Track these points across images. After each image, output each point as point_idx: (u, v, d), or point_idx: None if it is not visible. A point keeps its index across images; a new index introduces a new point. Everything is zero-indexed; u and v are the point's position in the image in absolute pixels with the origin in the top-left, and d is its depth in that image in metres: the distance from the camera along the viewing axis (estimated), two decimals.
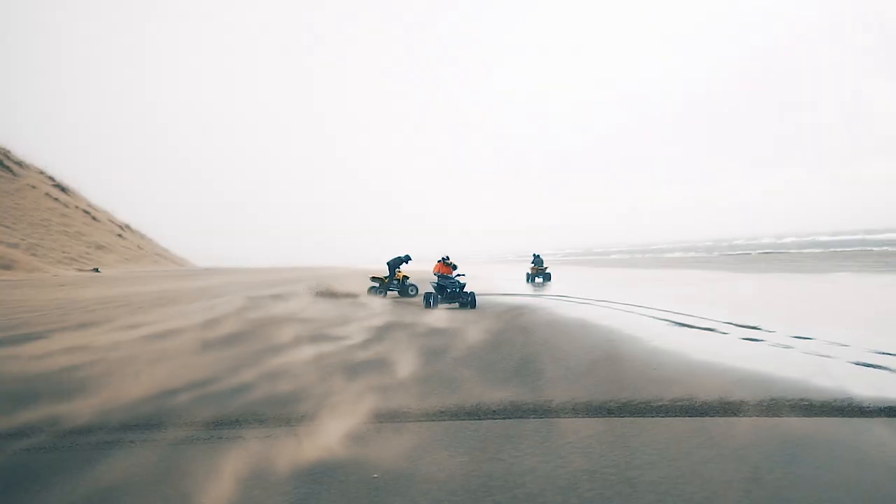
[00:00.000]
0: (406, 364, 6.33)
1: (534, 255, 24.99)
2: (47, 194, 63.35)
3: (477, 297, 13.99)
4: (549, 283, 23.06)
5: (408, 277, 17.79)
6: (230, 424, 4.27)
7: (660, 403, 4.56)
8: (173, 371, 6.10)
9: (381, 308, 13.12)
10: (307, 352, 7.16)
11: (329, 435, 3.97)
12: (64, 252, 53.82)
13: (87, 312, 12.91)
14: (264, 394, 5.11)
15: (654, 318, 10.03)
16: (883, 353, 6.29)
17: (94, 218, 68.35)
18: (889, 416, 4.18)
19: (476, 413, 4.45)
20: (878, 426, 3.99)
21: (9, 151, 64.28)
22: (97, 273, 48.05)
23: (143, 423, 4.32)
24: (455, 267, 14.79)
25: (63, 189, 68.65)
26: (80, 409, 4.64)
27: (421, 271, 20.95)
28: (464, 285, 14.04)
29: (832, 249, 45.99)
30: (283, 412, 4.51)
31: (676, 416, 4.30)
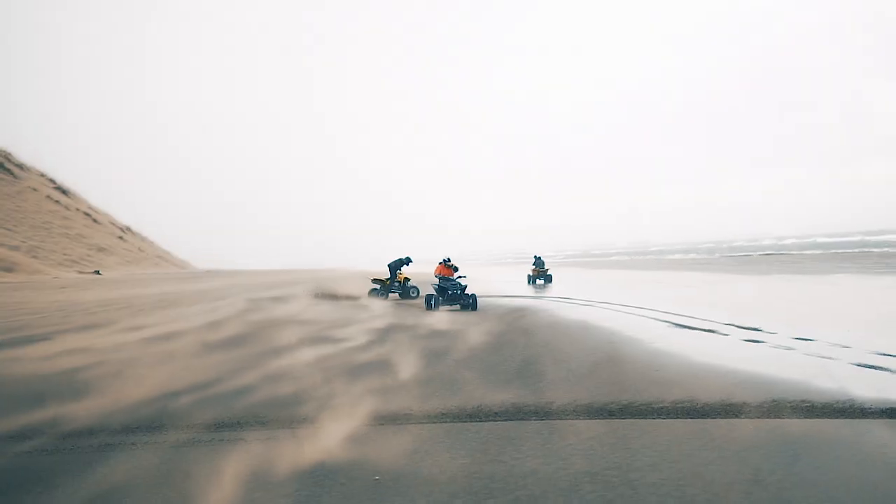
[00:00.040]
0: (407, 366, 6.33)
1: (535, 256, 25.00)
2: (48, 197, 63.47)
3: (478, 299, 14.00)
4: (550, 284, 23.06)
5: (409, 279, 17.81)
6: (232, 426, 4.28)
7: (661, 405, 4.56)
8: (175, 373, 6.11)
9: (382, 310, 13.12)
10: (309, 354, 7.16)
11: (330, 437, 3.98)
12: (65, 254, 53.88)
13: (88, 315, 12.92)
14: (266, 396, 5.12)
15: (655, 319, 10.03)
16: (884, 355, 6.29)
17: (94, 220, 68.45)
18: (890, 417, 4.18)
19: (477, 415, 4.46)
20: (879, 427, 3.99)
21: (10, 154, 64.45)
22: (98, 275, 48.10)
23: (144, 425, 4.33)
24: (456, 269, 14.81)
25: (64, 191, 68.80)
26: (83, 411, 4.65)
27: (422, 273, 20.97)
28: (465, 287, 14.05)
29: (833, 251, 46.00)
30: (284, 414, 4.52)
31: (678, 417, 4.30)
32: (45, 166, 69.50)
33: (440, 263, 14.78)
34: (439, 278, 14.36)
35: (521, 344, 7.85)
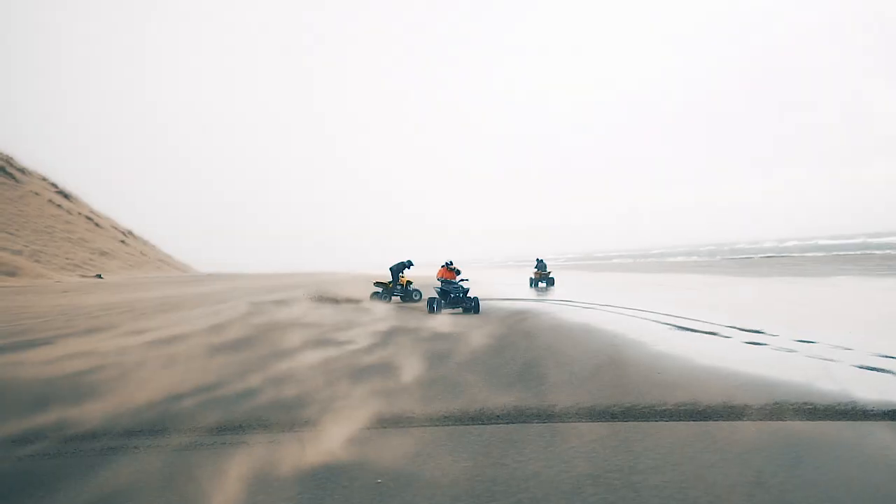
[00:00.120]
0: (410, 369, 6.34)
1: (537, 259, 25.02)
2: (50, 201, 63.65)
3: (480, 302, 14.00)
4: (552, 287, 23.06)
5: (411, 282, 17.82)
6: (235, 430, 4.28)
7: (663, 407, 4.56)
8: (178, 376, 6.12)
9: (384, 313, 13.13)
10: (312, 357, 7.17)
11: (333, 440, 3.99)
12: (67, 258, 53.99)
13: (91, 318, 12.95)
14: (269, 399, 5.12)
15: (657, 322, 10.03)
16: (886, 357, 6.28)
17: (96, 224, 68.61)
18: (892, 419, 4.18)
19: (480, 418, 4.46)
20: (881, 429, 3.98)
21: (11, 158, 64.66)
22: (100, 279, 48.17)
23: (147, 428, 4.34)
24: (459, 272, 14.82)
25: (66, 195, 69.01)
26: (86, 415, 4.66)
27: (424, 276, 20.98)
28: (467, 290, 14.06)
29: (834, 253, 45.92)
30: (287, 417, 4.53)
31: (680, 420, 4.30)
32: (46, 170, 69.81)
33: (442, 266, 14.78)
34: (441, 281, 14.37)
35: (524, 347, 7.85)
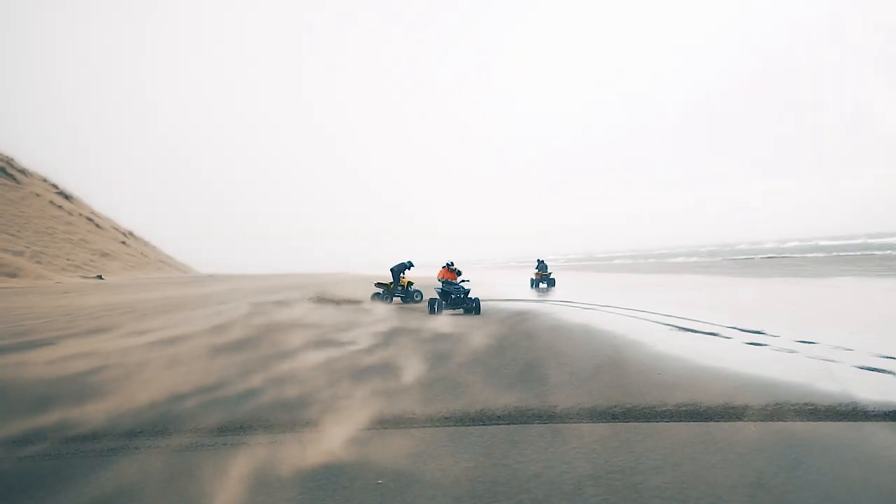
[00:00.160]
0: (411, 369, 6.34)
1: (538, 260, 25.02)
2: (51, 202, 63.75)
3: (481, 303, 14.00)
4: (553, 288, 23.06)
5: (412, 283, 17.83)
6: (236, 430, 4.29)
7: (664, 408, 4.56)
8: (180, 377, 6.13)
9: (385, 314, 13.14)
10: (313, 357, 7.18)
11: (334, 440, 3.99)
12: (68, 259, 54.06)
13: (93, 319, 12.96)
14: (270, 399, 5.13)
15: (657, 323, 10.03)
16: (887, 358, 6.28)
17: (97, 225, 68.72)
18: (893, 419, 4.18)
19: (481, 418, 4.47)
20: (882, 430, 3.98)
21: (12, 160, 64.78)
22: (101, 280, 48.21)
23: (149, 428, 4.35)
24: (459, 273, 14.83)
25: (67, 197, 69.12)
26: (88, 415, 4.67)
27: (425, 277, 20.99)
28: (468, 291, 14.06)
29: (834, 254, 45.90)
30: (288, 417, 4.53)
31: (681, 420, 4.31)
32: (46, 171, 69.94)
33: (443, 267, 14.79)
34: (442, 282, 14.38)
35: (524, 347, 7.86)
